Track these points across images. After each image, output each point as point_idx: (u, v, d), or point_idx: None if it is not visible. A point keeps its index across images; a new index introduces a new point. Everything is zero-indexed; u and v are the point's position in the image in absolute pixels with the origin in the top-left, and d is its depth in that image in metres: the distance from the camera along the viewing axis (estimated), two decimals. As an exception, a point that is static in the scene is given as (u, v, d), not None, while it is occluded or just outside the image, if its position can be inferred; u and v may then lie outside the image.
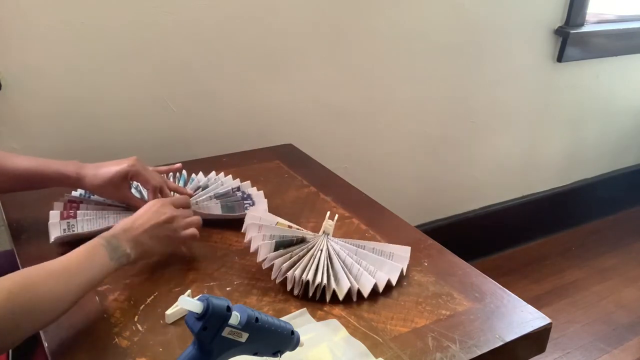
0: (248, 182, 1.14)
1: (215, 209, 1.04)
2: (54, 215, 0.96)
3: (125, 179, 0.97)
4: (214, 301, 0.58)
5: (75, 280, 0.73)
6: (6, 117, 1.20)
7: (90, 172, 0.96)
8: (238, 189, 1.11)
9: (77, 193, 1.06)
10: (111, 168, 0.96)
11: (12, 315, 0.64)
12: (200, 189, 1.11)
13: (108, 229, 0.87)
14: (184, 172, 1.15)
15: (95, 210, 0.99)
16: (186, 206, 0.95)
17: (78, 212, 0.98)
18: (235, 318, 0.60)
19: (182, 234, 0.89)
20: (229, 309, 0.59)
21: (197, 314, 0.58)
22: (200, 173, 1.17)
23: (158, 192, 0.99)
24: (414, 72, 1.69)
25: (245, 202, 1.08)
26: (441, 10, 1.65)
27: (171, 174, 1.12)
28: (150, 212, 0.86)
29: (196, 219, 0.93)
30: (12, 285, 0.66)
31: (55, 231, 0.94)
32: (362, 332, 0.79)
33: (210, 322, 0.58)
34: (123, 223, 0.84)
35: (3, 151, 0.97)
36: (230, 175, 1.16)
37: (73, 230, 0.94)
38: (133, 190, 1.04)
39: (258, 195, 1.11)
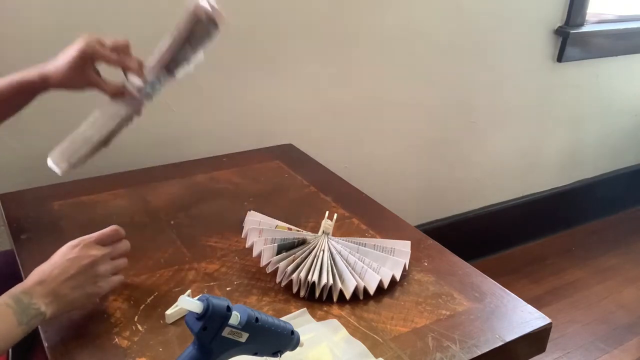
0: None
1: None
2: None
3: (85, 60, 0.88)
4: (214, 301, 0.58)
5: None
6: (6, 117, 1.20)
7: (51, 69, 0.89)
8: None
9: None
10: (67, 54, 0.88)
11: None
12: None
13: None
14: None
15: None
16: (117, 240, 0.82)
17: None
18: (235, 318, 0.60)
19: (109, 281, 0.79)
20: (229, 309, 0.59)
21: (197, 314, 0.58)
22: None
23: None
24: (414, 72, 1.69)
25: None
26: (441, 11, 1.65)
27: None
28: (70, 257, 0.75)
29: (123, 261, 0.82)
30: None
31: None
32: (362, 332, 0.79)
33: (210, 322, 0.58)
34: (38, 273, 0.74)
35: None
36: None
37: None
38: None
39: None
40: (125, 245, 0.83)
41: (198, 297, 0.59)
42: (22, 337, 0.70)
